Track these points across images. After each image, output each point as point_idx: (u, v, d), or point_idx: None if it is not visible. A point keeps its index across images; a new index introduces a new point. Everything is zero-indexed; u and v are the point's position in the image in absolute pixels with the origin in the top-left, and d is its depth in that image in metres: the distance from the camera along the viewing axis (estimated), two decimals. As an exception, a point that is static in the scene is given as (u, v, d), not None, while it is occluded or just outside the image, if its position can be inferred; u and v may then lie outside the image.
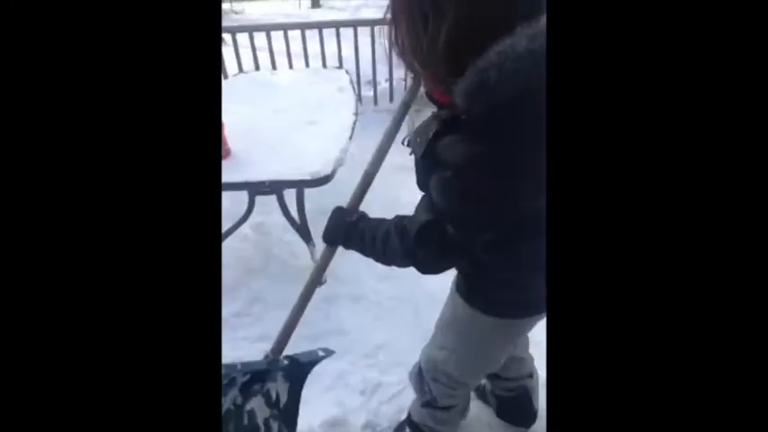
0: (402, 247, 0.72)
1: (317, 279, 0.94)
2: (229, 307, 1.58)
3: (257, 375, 0.97)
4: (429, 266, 0.72)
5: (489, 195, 0.57)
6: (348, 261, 1.75)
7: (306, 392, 1.31)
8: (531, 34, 0.50)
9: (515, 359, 1.11)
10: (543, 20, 0.50)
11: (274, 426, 0.98)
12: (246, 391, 0.95)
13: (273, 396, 0.98)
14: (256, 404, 0.96)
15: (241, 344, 1.47)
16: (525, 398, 1.16)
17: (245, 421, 0.95)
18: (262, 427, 0.97)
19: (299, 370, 0.97)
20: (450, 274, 1.86)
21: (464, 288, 0.83)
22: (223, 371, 0.95)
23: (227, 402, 0.94)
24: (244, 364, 0.96)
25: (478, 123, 0.55)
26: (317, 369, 1.37)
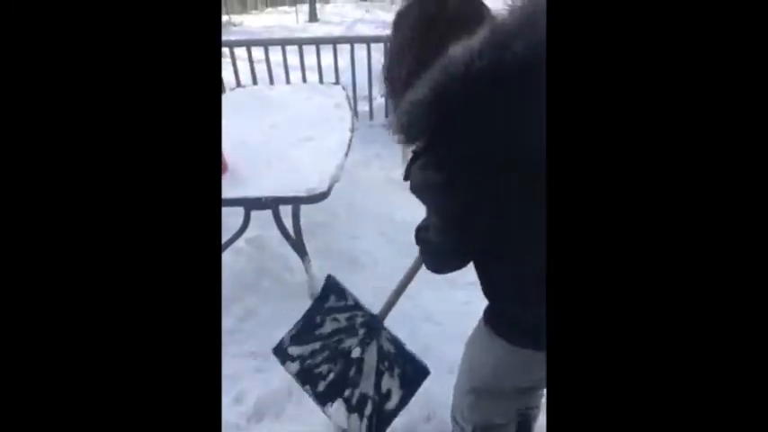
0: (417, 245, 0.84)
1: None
2: (222, 323, 1.57)
3: (369, 331, 1.12)
4: (430, 264, 0.80)
5: (445, 213, 0.66)
6: (341, 277, 1.75)
7: (297, 413, 1.30)
8: (424, 84, 0.56)
9: (536, 392, 1.09)
10: (440, 65, 0.55)
11: (367, 408, 1.06)
12: (360, 343, 1.12)
13: (384, 388, 1.06)
14: (367, 358, 1.10)
15: (232, 361, 1.45)
16: (525, 425, 1.14)
17: (352, 371, 1.10)
18: (356, 394, 1.08)
19: (413, 380, 1.04)
20: (448, 291, 1.84)
21: (490, 314, 0.81)
22: (347, 313, 1.15)
23: (344, 344, 1.12)
24: (363, 316, 1.13)
25: (420, 154, 0.63)
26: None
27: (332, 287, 1.18)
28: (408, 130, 0.59)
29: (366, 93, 3.00)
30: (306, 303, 1.68)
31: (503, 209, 0.61)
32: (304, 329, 1.16)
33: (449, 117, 0.55)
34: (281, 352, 1.17)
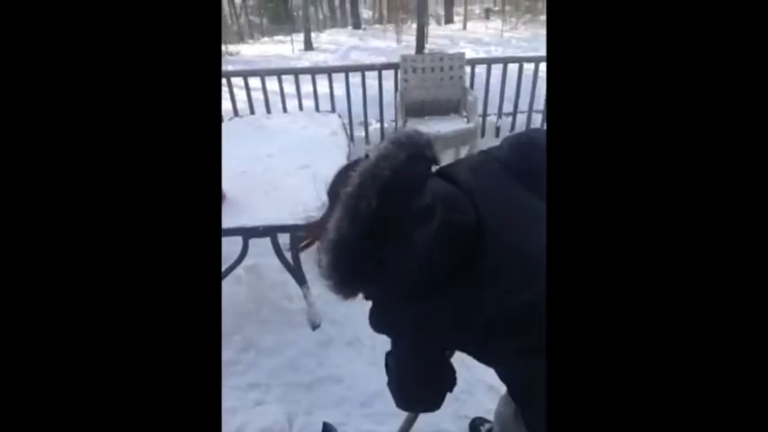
0: None
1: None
2: (222, 355, 1.55)
3: None
4: (399, 400, 0.82)
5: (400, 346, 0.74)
6: (340, 306, 1.74)
7: (300, 445, 1.27)
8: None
9: None
10: None
11: None
12: None
13: None
14: None
15: (233, 393, 1.43)
16: None
17: None
18: None
19: None
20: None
21: (515, 403, 0.79)
22: None
23: None
24: None
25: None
26: (312, 420, 1.33)
27: None
28: (331, 275, 0.61)
29: (362, 119, 3.05)
30: (306, 331, 1.67)
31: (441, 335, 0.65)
32: None
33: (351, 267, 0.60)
34: None
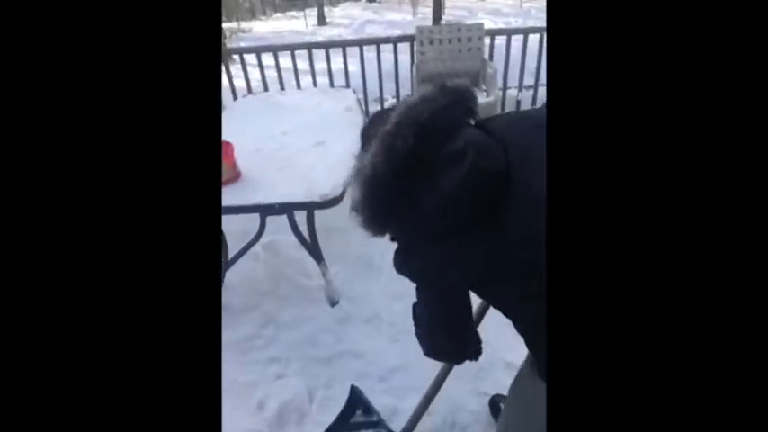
0: None
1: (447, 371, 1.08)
2: (240, 330, 1.58)
3: None
4: (426, 346, 0.82)
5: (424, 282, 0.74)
6: (359, 282, 1.75)
7: (321, 419, 1.30)
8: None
9: None
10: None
11: None
12: None
13: None
14: None
15: (253, 367, 1.46)
16: None
17: None
18: None
19: None
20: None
21: (531, 357, 0.79)
22: (372, 430, 1.15)
23: None
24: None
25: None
26: (331, 394, 1.36)
27: (358, 401, 1.19)
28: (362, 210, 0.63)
29: (377, 94, 2.99)
30: (324, 308, 1.69)
31: (467, 271, 0.66)
32: None
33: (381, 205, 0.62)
34: None
